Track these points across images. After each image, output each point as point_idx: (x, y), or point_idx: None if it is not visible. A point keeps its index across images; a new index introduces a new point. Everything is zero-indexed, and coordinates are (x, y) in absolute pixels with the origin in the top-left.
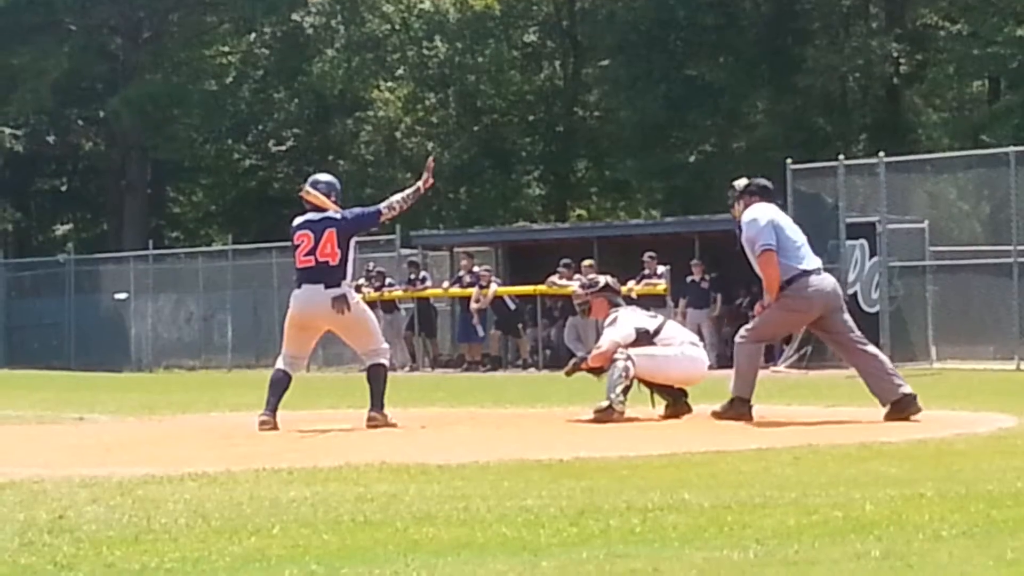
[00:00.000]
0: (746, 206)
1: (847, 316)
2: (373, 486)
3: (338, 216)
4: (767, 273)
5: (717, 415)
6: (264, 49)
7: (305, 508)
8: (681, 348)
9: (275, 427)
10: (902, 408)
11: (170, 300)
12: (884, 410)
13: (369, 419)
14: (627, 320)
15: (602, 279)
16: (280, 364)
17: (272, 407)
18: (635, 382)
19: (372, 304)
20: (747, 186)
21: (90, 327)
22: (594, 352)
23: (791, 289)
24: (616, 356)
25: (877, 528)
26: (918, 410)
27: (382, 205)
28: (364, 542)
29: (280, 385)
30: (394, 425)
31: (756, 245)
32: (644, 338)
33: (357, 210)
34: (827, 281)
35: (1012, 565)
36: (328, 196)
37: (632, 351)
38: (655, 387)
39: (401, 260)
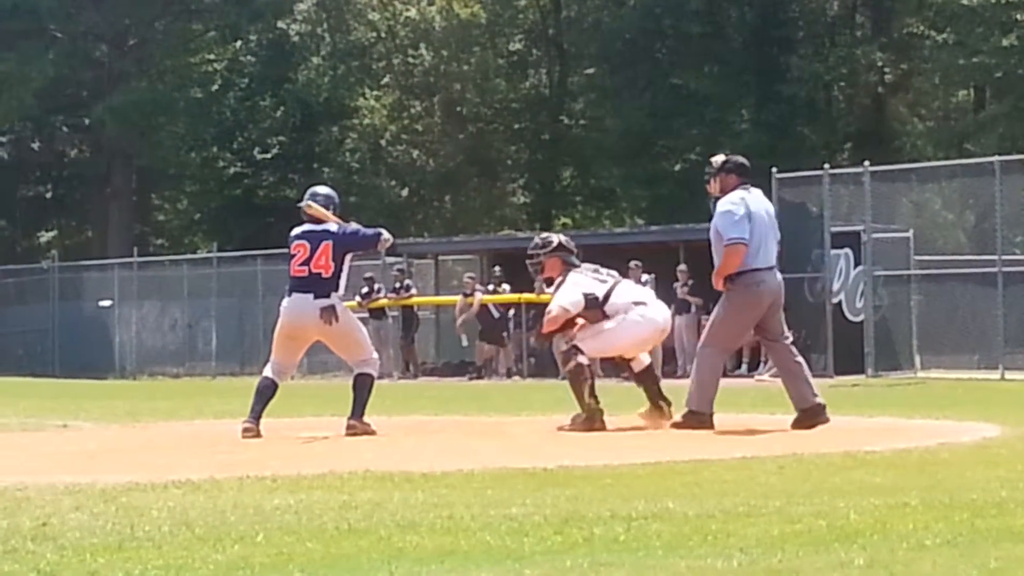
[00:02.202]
0: (723, 184)
1: (782, 316)
2: (357, 494)
3: (336, 230)
4: (729, 263)
5: (677, 425)
6: (250, 57)
7: (289, 516)
8: (625, 315)
9: (258, 435)
10: (812, 415)
11: (155, 307)
12: (792, 417)
13: (348, 427)
14: (576, 284)
15: (555, 238)
16: (268, 372)
17: (256, 414)
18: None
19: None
20: (724, 163)
21: (74, 334)
22: (545, 320)
23: (739, 282)
24: (566, 353)
25: (861, 537)
26: (826, 419)
27: (383, 233)
28: (348, 550)
29: (266, 393)
30: (374, 432)
31: (726, 236)
32: (594, 304)
33: (356, 227)
34: (777, 279)
35: (996, 574)
36: (327, 208)
37: (577, 337)
38: (644, 386)
39: (387, 268)
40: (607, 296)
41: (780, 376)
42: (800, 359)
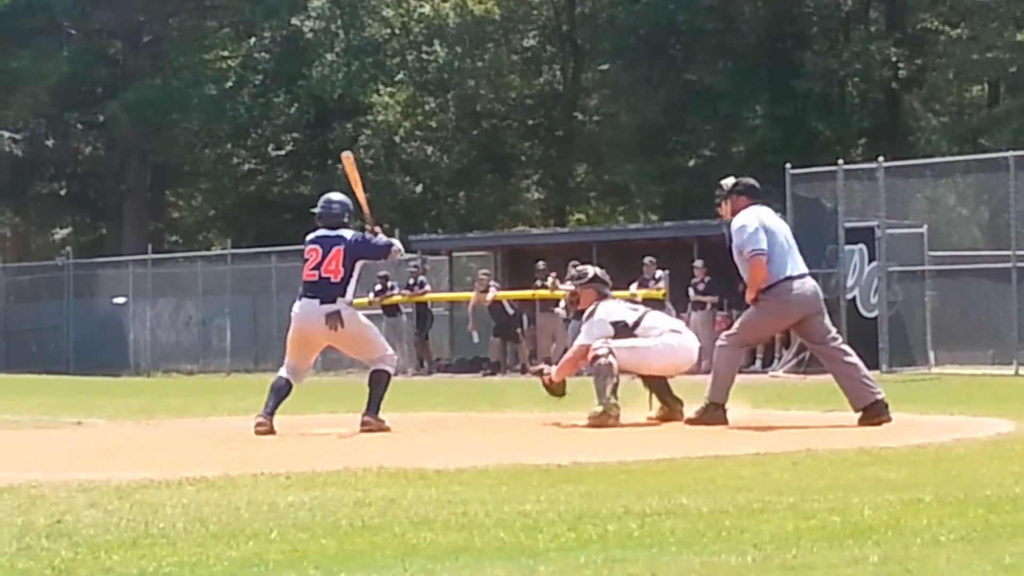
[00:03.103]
0: (733, 206)
1: (827, 320)
2: (371, 490)
3: (349, 237)
4: (756, 275)
5: (692, 421)
6: (264, 53)
7: (303, 512)
8: (661, 338)
9: (271, 431)
10: (875, 413)
11: (169, 304)
12: (857, 415)
13: (363, 423)
14: (604, 314)
15: (591, 270)
16: (282, 372)
17: (270, 410)
18: (635, 379)
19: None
20: (735, 185)
21: (89, 331)
22: (562, 361)
23: (771, 293)
24: (598, 351)
25: (875, 533)
26: (889, 417)
27: (395, 244)
28: (362, 547)
29: (280, 391)
30: (388, 429)
31: (746, 250)
32: (623, 331)
33: (368, 237)
34: (808, 285)
35: (1010, 570)
36: (342, 216)
37: (612, 343)
38: (652, 388)
39: (401, 265)
40: (637, 322)
41: (834, 379)
42: (853, 359)
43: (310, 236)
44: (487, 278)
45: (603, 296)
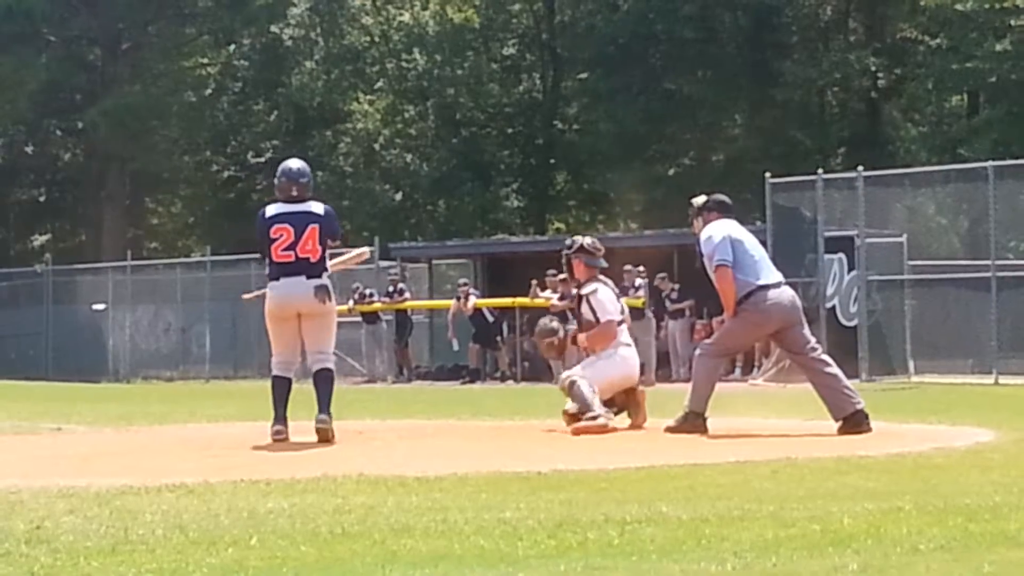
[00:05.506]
0: (705, 222)
1: (806, 330)
2: (351, 498)
3: (321, 212)
4: (722, 288)
5: (671, 429)
6: (243, 61)
7: (283, 519)
8: (617, 351)
9: (287, 438)
10: (855, 423)
11: (148, 311)
12: (837, 424)
13: (319, 421)
14: (608, 296)
15: (580, 240)
16: (274, 370)
17: (280, 417)
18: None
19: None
20: (705, 203)
21: (68, 338)
22: (594, 332)
23: (748, 303)
24: (566, 380)
25: (855, 541)
26: (869, 427)
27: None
28: (342, 554)
29: (282, 391)
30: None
31: (712, 261)
32: (620, 322)
33: (333, 214)
34: (785, 295)
35: None
36: (307, 187)
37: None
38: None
39: (380, 272)
40: (620, 322)
41: (814, 389)
42: (834, 369)
43: (271, 211)
44: (467, 286)
45: (595, 268)
